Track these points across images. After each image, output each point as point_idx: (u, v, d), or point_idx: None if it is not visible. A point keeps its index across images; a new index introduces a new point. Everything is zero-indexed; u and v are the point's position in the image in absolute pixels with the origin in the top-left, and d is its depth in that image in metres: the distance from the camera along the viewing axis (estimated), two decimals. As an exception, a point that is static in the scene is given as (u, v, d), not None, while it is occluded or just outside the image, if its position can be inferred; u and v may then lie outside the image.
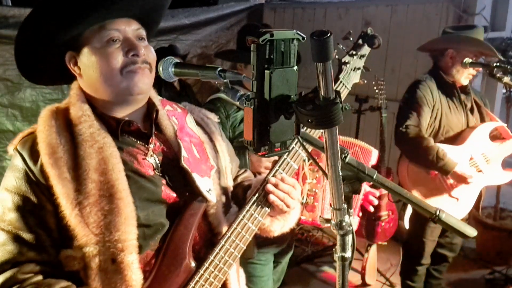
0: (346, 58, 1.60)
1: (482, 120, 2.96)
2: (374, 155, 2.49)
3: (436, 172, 2.81)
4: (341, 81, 1.57)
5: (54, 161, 1.11)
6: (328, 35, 0.70)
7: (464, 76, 2.85)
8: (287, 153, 1.39)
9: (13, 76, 3.59)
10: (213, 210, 1.29)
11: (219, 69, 0.97)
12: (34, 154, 1.14)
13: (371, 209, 2.43)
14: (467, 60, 2.78)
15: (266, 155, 0.84)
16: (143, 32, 1.24)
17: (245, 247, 1.29)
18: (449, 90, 2.86)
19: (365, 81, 1.69)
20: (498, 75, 2.86)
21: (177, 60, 1.14)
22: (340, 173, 0.90)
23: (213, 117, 1.48)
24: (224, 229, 1.30)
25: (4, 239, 1.12)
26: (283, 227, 1.42)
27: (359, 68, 1.63)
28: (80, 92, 1.22)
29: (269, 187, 1.32)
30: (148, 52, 1.20)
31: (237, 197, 1.45)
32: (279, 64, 0.80)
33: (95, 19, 1.15)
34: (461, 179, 2.73)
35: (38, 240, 1.12)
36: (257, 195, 1.32)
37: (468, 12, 3.93)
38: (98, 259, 1.11)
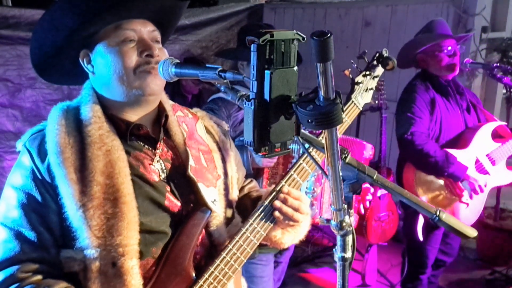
0: (359, 78, 1.59)
1: (480, 120, 2.95)
2: (368, 148, 2.49)
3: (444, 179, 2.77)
4: (352, 101, 1.57)
5: (61, 161, 1.11)
6: (328, 35, 0.70)
7: (444, 68, 2.79)
8: (293, 169, 1.39)
9: (13, 77, 3.59)
10: (216, 221, 1.28)
11: (219, 69, 0.97)
12: (42, 152, 1.14)
13: (367, 204, 2.43)
14: (466, 62, 2.78)
15: (266, 156, 0.84)
16: (158, 35, 1.24)
17: (245, 260, 1.28)
18: (444, 90, 2.83)
19: (376, 102, 1.69)
20: (498, 75, 2.85)
21: (177, 61, 1.14)
22: (340, 173, 0.90)
23: (224, 125, 1.47)
24: (226, 240, 1.29)
25: (6, 236, 1.12)
26: (293, 239, 1.40)
27: (371, 89, 1.62)
28: (92, 92, 1.23)
29: (277, 203, 1.30)
30: (162, 54, 1.20)
31: (245, 208, 1.43)
32: (279, 65, 0.80)
33: (112, 17, 1.16)
34: (472, 185, 2.68)
35: (40, 239, 1.12)
36: (261, 209, 1.31)
37: (468, 12, 3.93)
38: (99, 262, 1.10)
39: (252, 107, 0.80)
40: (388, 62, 1.57)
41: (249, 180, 1.57)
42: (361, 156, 2.52)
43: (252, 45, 0.79)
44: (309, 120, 0.77)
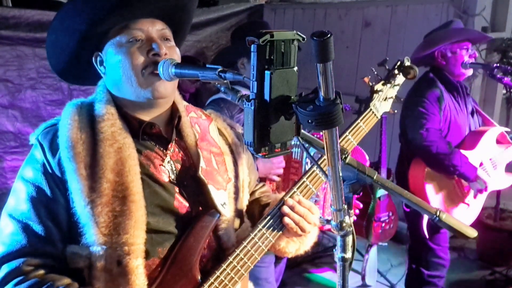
0: (379, 86, 1.56)
1: (480, 124, 2.94)
2: (366, 158, 2.50)
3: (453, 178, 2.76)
4: (371, 109, 1.54)
5: (72, 156, 1.11)
6: (329, 35, 0.70)
7: (462, 66, 2.77)
8: (306, 176, 1.37)
9: (13, 77, 3.59)
10: (225, 225, 1.27)
11: (219, 69, 0.97)
12: (54, 146, 1.14)
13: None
14: (467, 62, 2.77)
15: (266, 156, 0.83)
16: (168, 33, 1.23)
17: (252, 266, 1.27)
18: (455, 89, 2.81)
19: (395, 111, 1.64)
20: (498, 75, 2.85)
21: (177, 61, 1.14)
22: (340, 174, 0.90)
23: (238, 128, 1.45)
24: (234, 245, 1.28)
25: (14, 228, 1.12)
26: (298, 249, 1.39)
27: (391, 98, 1.58)
28: (106, 90, 1.23)
29: (285, 209, 1.29)
30: (172, 52, 1.19)
31: (252, 213, 1.42)
32: (279, 65, 0.80)
33: (119, 18, 1.16)
34: (481, 186, 2.68)
35: (48, 233, 1.12)
36: (270, 215, 1.30)
37: (468, 12, 3.93)
38: (104, 260, 1.10)
39: (252, 108, 0.80)
40: (409, 71, 1.53)
41: (261, 184, 1.55)
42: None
43: (252, 46, 0.79)
44: (309, 121, 0.77)
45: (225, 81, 0.97)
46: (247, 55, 2.20)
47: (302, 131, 0.90)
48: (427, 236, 2.86)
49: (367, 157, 2.58)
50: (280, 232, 1.31)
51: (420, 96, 2.74)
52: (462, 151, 2.71)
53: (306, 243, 1.40)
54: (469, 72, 2.81)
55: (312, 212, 1.32)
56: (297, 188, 1.35)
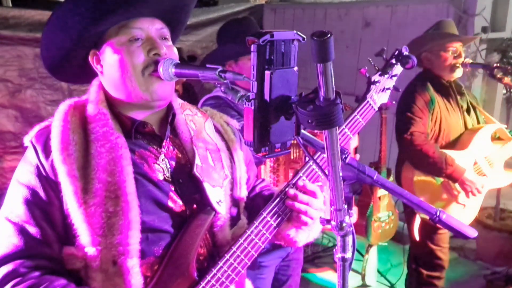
0: (376, 77, 1.53)
1: (479, 121, 2.95)
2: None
3: (442, 180, 2.76)
4: (367, 101, 1.51)
5: (64, 158, 1.11)
6: (329, 35, 0.70)
7: (448, 68, 2.78)
8: (303, 171, 1.35)
9: (13, 77, 3.59)
10: (221, 222, 1.27)
11: (219, 69, 0.97)
12: (47, 148, 1.14)
13: None
14: (467, 59, 2.77)
15: (266, 156, 0.84)
16: (166, 32, 1.23)
17: (249, 263, 1.27)
18: (445, 90, 2.83)
19: (394, 102, 1.62)
20: (498, 75, 2.85)
21: (177, 61, 1.14)
22: (341, 174, 0.90)
23: (235, 124, 1.45)
24: (230, 242, 1.27)
25: (10, 230, 1.12)
26: (308, 237, 1.38)
27: (388, 89, 1.55)
28: (99, 90, 1.22)
29: (288, 201, 1.28)
30: (170, 52, 1.19)
31: (258, 207, 1.40)
32: (279, 65, 0.80)
33: (118, 17, 1.15)
34: (469, 187, 2.68)
35: (43, 234, 1.12)
36: (267, 210, 1.29)
37: (468, 12, 3.93)
38: (99, 260, 1.11)
39: (252, 108, 0.80)
40: (408, 61, 1.50)
41: (260, 180, 1.55)
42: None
43: (252, 46, 0.79)
44: (309, 121, 0.77)
45: (225, 81, 0.97)
46: (234, 57, 2.16)
47: (302, 131, 0.90)
48: (418, 239, 2.89)
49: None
50: (277, 228, 1.30)
51: (410, 100, 2.77)
52: (452, 152, 2.72)
53: (315, 230, 1.38)
54: (458, 73, 2.81)
55: (316, 196, 1.30)
56: (293, 184, 1.33)
